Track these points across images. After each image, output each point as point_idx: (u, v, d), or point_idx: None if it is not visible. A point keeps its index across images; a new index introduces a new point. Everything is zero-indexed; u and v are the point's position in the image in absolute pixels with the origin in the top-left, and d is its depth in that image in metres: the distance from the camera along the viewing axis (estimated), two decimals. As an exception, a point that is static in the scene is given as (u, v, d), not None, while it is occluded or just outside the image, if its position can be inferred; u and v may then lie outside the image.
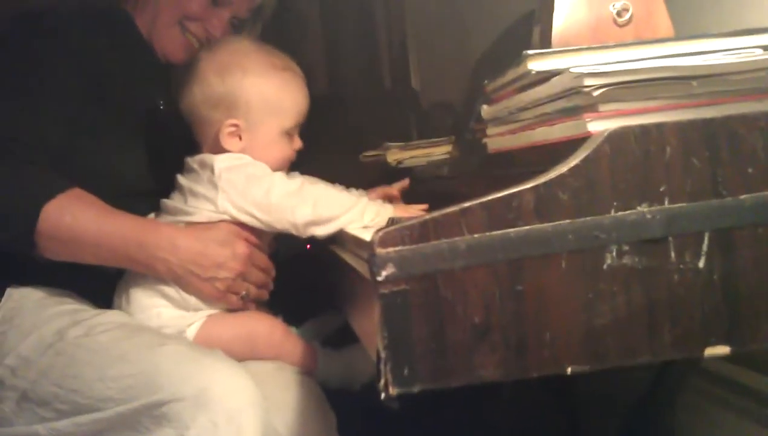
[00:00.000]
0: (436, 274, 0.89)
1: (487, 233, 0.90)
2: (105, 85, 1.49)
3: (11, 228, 1.30)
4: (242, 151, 1.40)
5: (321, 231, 1.31)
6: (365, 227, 1.28)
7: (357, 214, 1.31)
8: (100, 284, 1.43)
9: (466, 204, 0.90)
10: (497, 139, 1.23)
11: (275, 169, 1.41)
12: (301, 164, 1.54)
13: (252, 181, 1.34)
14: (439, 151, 1.82)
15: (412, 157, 1.86)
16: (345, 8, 3.26)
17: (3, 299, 1.40)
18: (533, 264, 0.90)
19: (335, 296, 1.33)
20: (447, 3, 2.69)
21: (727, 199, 0.91)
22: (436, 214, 0.90)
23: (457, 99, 2.10)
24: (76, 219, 1.31)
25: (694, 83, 0.94)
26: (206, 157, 1.40)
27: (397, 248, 0.89)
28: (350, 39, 3.24)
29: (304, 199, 1.31)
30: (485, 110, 1.24)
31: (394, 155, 1.88)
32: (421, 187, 1.74)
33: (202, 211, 1.36)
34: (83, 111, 1.44)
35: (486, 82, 1.22)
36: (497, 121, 1.22)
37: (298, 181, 1.37)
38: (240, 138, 1.40)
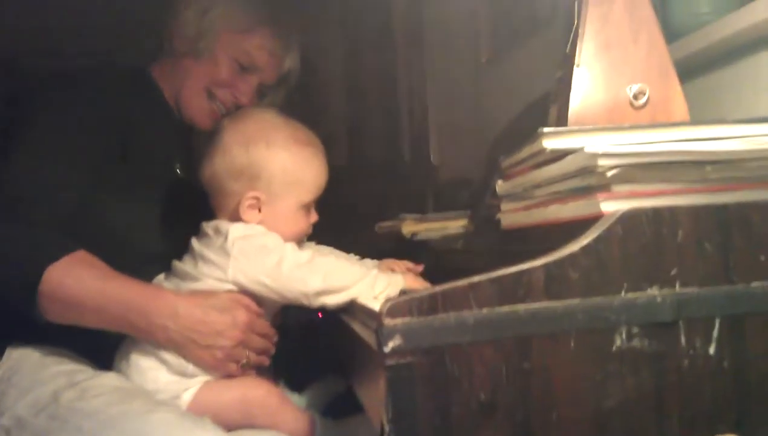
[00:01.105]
0: (443, 347, 0.88)
1: (496, 309, 0.89)
2: (126, 146, 1.51)
3: (13, 290, 1.30)
4: (260, 223, 1.40)
5: (331, 301, 1.30)
6: (375, 298, 1.28)
7: (367, 285, 1.30)
8: (101, 343, 1.41)
9: (476, 278, 0.90)
10: (511, 215, 1.23)
11: (291, 241, 1.41)
12: (316, 232, 1.55)
13: (264, 252, 1.34)
14: (455, 225, 1.82)
15: (427, 230, 1.86)
16: (368, 82, 3.31)
17: (3, 358, 1.40)
18: (542, 342, 0.89)
19: (344, 365, 1.32)
20: (468, 80, 2.73)
21: (739, 286, 0.91)
22: (445, 287, 0.90)
23: (474, 174, 2.11)
24: (78, 283, 1.30)
25: (709, 168, 0.94)
26: (221, 223, 1.40)
27: (405, 320, 0.88)
28: (372, 112, 3.29)
29: (315, 270, 1.31)
30: (500, 186, 1.24)
31: (410, 227, 1.88)
32: (435, 260, 1.74)
33: (207, 278, 1.36)
34: (102, 172, 1.46)
35: (501, 157, 1.23)
36: (511, 197, 1.22)
37: (309, 252, 1.37)
38: (259, 210, 1.40)
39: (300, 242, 1.47)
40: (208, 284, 1.35)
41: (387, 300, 0.90)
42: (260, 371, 1.47)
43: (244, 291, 1.36)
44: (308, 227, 1.47)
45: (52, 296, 1.29)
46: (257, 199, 1.39)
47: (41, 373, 1.36)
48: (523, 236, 1.21)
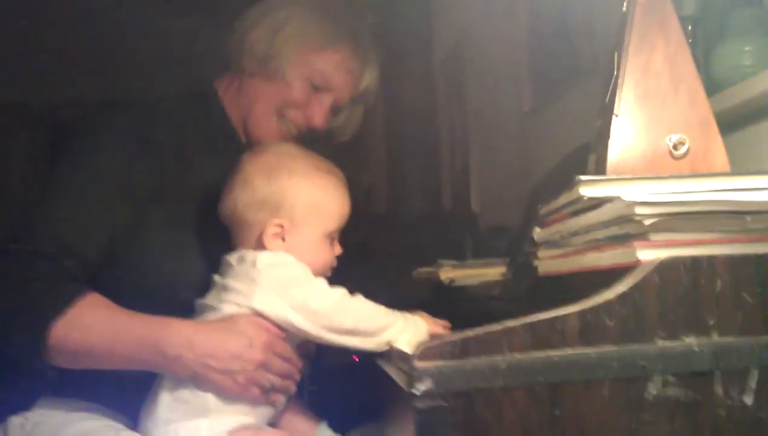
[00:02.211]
0: (474, 392, 0.88)
1: (529, 354, 0.89)
2: (172, 183, 1.47)
3: (19, 347, 1.28)
4: (285, 252, 1.36)
5: (356, 343, 1.27)
6: (407, 343, 1.26)
7: (396, 332, 1.26)
8: (122, 392, 1.38)
9: (510, 323, 0.90)
10: (548, 262, 1.23)
11: (316, 274, 1.37)
12: (354, 277, 1.52)
13: (293, 283, 1.31)
14: (493, 272, 1.81)
15: (464, 276, 1.85)
16: (409, 131, 3.35)
17: (19, 424, 1.38)
18: (574, 389, 0.89)
19: (378, 410, 1.31)
20: (509, 129, 2.75)
21: (777, 337, 0.89)
22: (478, 331, 0.90)
23: (513, 223, 2.11)
24: (86, 332, 1.27)
25: (749, 218, 0.94)
26: (247, 252, 1.36)
27: (436, 363, 0.89)
28: (414, 159, 3.31)
29: (346, 309, 1.28)
30: (537, 233, 1.24)
31: (447, 273, 1.88)
32: (472, 306, 1.73)
33: (229, 304, 1.31)
34: (140, 210, 1.43)
35: (539, 205, 1.23)
36: (549, 244, 1.22)
37: (341, 290, 1.32)
38: (283, 239, 1.36)
39: (325, 274, 1.42)
40: (226, 311, 1.31)
41: (420, 343, 0.90)
42: (296, 410, 1.45)
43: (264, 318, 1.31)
44: (333, 259, 1.43)
45: (59, 349, 1.26)
46: (281, 227, 1.36)
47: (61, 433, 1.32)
48: (561, 283, 1.21)
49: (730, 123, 1.51)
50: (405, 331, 1.27)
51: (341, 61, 1.57)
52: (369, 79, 1.63)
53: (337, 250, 1.44)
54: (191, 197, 1.50)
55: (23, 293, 1.28)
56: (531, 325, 0.90)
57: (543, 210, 1.22)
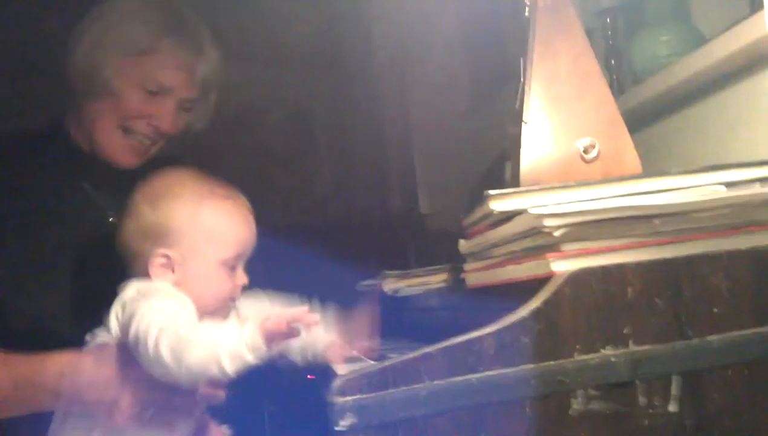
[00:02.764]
0: (397, 423, 0.87)
1: (449, 379, 0.88)
2: (36, 219, 1.43)
3: None
4: (176, 285, 1.27)
5: (176, 372, 1.11)
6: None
7: (207, 351, 1.09)
8: None
9: (426, 350, 0.89)
10: (474, 275, 1.22)
11: (215, 308, 1.29)
12: (296, 290, 1.47)
13: (129, 316, 1.19)
14: (435, 280, 1.80)
15: (407, 286, 1.84)
16: (354, 134, 3.33)
17: None
18: (497, 411, 0.88)
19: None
20: (449, 130, 2.74)
21: (694, 341, 0.89)
22: (395, 361, 0.88)
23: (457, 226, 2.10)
24: None
25: (657, 221, 0.93)
26: (128, 282, 1.27)
27: (356, 397, 0.87)
28: (360, 162, 3.30)
29: (152, 333, 1.12)
30: (462, 245, 1.24)
31: (391, 284, 1.87)
32: (415, 317, 1.72)
33: (102, 334, 1.25)
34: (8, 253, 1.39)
35: (461, 216, 1.22)
36: (474, 256, 1.21)
37: (163, 319, 1.16)
38: (172, 271, 1.27)
39: (225, 306, 1.33)
40: (99, 341, 1.26)
41: (339, 378, 0.89)
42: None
43: None
44: (233, 289, 1.32)
45: None
46: (168, 257, 1.26)
47: None
48: (491, 293, 1.20)
49: (649, 114, 1.51)
50: (220, 345, 1.09)
51: (165, 59, 1.48)
52: (205, 67, 1.53)
53: (241, 279, 1.32)
54: (67, 227, 1.47)
55: None
56: (447, 349, 0.88)
57: (465, 221, 1.21)
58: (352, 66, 3.49)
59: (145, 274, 1.28)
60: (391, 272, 1.92)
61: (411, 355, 0.89)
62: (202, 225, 1.27)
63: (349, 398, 0.87)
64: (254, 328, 1.07)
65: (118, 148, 1.49)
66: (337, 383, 0.88)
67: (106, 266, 1.33)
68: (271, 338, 1.06)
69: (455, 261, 1.78)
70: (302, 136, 3.31)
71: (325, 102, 3.53)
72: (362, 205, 3.07)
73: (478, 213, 1.09)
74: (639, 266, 0.90)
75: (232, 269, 1.31)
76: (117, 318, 1.22)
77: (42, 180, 1.47)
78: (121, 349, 1.20)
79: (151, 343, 1.11)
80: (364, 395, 0.87)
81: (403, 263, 2.17)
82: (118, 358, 1.20)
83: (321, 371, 1.31)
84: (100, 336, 1.25)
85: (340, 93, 3.50)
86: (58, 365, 1.22)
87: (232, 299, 1.32)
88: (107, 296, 1.26)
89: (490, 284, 1.16)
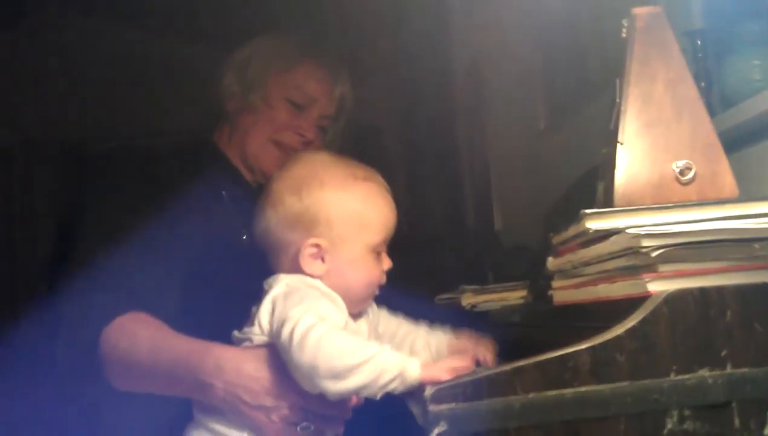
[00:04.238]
0: (489, 434, 0.88)
1: (542, 393, 0.89)
2: (181, 224, 1.49)
3: (78, 354, 1.33)
4: (326, 274, 1.24)
5: (330, 387, 1.08)
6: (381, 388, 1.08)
7: (371, 374, 1.06)
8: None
9: (521, 363, 0.90)
10: (562, 292, 1.23)
11: (365, 295, 1.27)
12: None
13: (282, 318, 1.15)
14: (514, 296, 1.81)
15: (486, 301, 1.86)
16: (428, 150, 3.35)
17: None
18: (590, 427, 0.89)
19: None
20: (531, 146, 2.74)
21: (793, 366, 0.89)
22: (489, 372, 0.90)
23: (533, 241, 2.10)
24: (132, 342, 1.29)
25: (756, 245, 0.93)
26: (276, 277, 1.25)
27: (450, 406, 0.89)
28: (434, 180, 3.32)
29: (307, 345, 1.09)
30: (550, 262, 1.24)
31: (469, 299, 1.88)
32: (494, 332, 1.73)
33: (256, 336, 1.22)
34: (153, 254, 1.45)
35: (551, 234, 1.23)
36: (562, 273, 1.22)
37: (315, 322, 1.12)
38: (323, 260, 1.24)
39: (373, 293, 1.31)
40: (257, 339, 1.22)
41: (432, 386, 0.91)
42: None
43: None
44: (381, 275, 1.29)
45: (110, 358, 1.31)
46: (318, 247, 1.23)
47: None
48: (578, 310, 1.20)
49: (742, 138, 1.50)
50: (383, 376, 1.06)
51: (309, 73, 1.67)
52: (341, 85, 1.71)
53: (386, 264, 1.30)
54: (207, 237, 1.52)
55: (80, 306, 1.36)
56: (541, 364, 0.90)
57: (555, 240, 1.22)
58: (428, 82, 3.51)
59: (291, 265, 1.25)
60: (468, 286, 1.93)
61: (505, 367, 0.90)
62: (351, 211, 1.25)
63: (444, 406, 0.89)
64: (418, 366, 1.05)
65: (270, 160, 1.62)
66: (431, 391, 0.90)
67: (236, 280, 1.38)
68: (428, 382, 0.98)
69: (528, 278, 1.80)
70: (377, 152, 3.35)
71: (402, 118, 3.57)
72: (437, 220, 3.08)
73: (570, 231, 1.10)
74: (738, 289, 0.90)
75: (378, 254, 1.28)
76: (270, 315, 1.19)
77: (195, 189, 1.54)
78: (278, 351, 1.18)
79: (309, 350, 1.08)
80: (459, 404, 0.89)
81: (481, 277, 2.18)
82: (277, 360, 1.17)
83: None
84: (255, 336, 1.22)
85: (416, 109, 3.53)
86: (218, 356, 1.22)
87: (378, 285, 1.30)
88: (238, 305, 1.28)
89: (578, 302, 1.16)
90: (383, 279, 1.30)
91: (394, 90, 3.54)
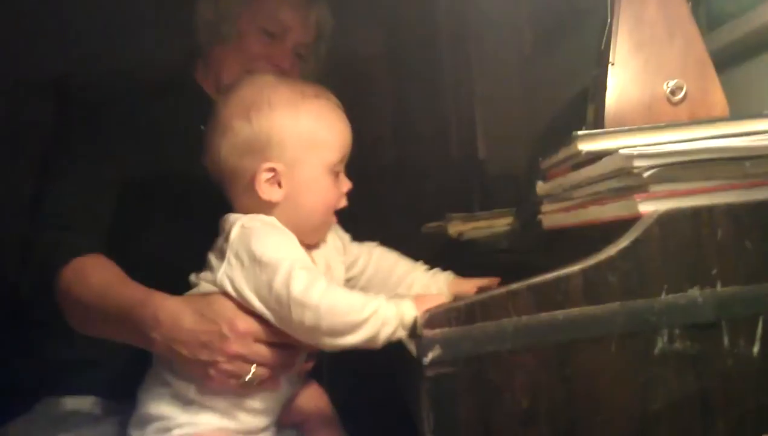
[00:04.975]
0: (483, 357, 0.89)
1: (535, 316, 0.89)
2: (165, 155, 1.49)
3: (37, 293, 1.35)
4: (285, 199, 1.20)
5: (331, 342, 1.05)
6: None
7: (373, 328, 1.03)
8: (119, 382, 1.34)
9: (514, 286, 0.90)
10: (552, 216, 1.23)
11: (324, 219, 1.25)
12: (363, 233, 1.49)
13: (259, 261, 1.11)
14: (501, 223, 1.82)
15: (473, 229, 1.85)
16: (414, 77, 3.32)
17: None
18: (582, 348, 0.89)
19: (394, 378, 1.30)
20: (517, 72, 2.72)
21: (783, 283, 0.89)
22: (483, 296, 0.90)
23: (519, 169, 2.10)
24: (85, 285, 1.28)
25: (748, 163, 0.93)
26: (230, 216, 1.21)
27: (444, 330, 0.89)
28: (419, 108, 3.29)
29: (306, 303, 1.05)
30: (540, 187, 1.24)
31: (456, 227, 1.88)
32: (483, 260, 1.73)
33: (205, 282, 1.18)
34: (137, 184, 1.46)
35: (540, 158, 1.22)
36: (552, 197, 1.22)
37: (311, 278, 1.08)
38: (279, 184, 1.20)
39: (330, 217, 1.27)
40: (203, 288, 1.18)
41: (426, 311, 0.91)
42: (307, 380, 1.41)
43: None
44: (341, 196, 1.26)
45: (66, 299, 1.31)
46: (274, 171, 1.19)
47: None
48: (566, 235, 1.21)
49: (731, 58, 1.49)
50: (384, 328, 1.04)
51: (282, 0, 1.62)
52: (317, 11, 1.67)
53: (346, 185, 1.27)
54: (187, 168, 1.45)
55: (39, 245, 1.37)
56: (534, 286, 0.90)
57: (544, 163, 1.21)
58: (413, 9, 3.46)
59: (246, 192, 1.21)
60: (455, 214, 1.93)
61: (498, 291, 0.90)
62: (304, 131, 1.20)
63: (437, 330, 0.89)
64: (412, 306, 1.03)
65: None
66: (425, 316, 0.90)
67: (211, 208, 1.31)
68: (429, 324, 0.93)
69: (513, 205, 1.80)
70: (362, 82, 3.31)
71: (384, 47, 3.52)
72: (421, 149, 3.07)
73: (561, 154, 1.09)
74: (730, 208, 0.90)
75: (336, 174, 1.25)
76: (229, 264, 1.14)
77: (171, 122, 1.54)
78: (235, 302, 1.14)
79: (310, 309, 1.05)
80: (452, 329, 0.89)
81: (468, 207, 2.18)
82: (231, 313, 1.14)
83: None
84: (203, 282, 1.19)
85: (401, 37, 3.48)
86: (157, 307, 1.17)
87: (338, 207, 1.27)
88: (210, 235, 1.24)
89: (568, 226, 1.16)
90: (343, 202, 1.27)
91: (377, 18, 3.48)
